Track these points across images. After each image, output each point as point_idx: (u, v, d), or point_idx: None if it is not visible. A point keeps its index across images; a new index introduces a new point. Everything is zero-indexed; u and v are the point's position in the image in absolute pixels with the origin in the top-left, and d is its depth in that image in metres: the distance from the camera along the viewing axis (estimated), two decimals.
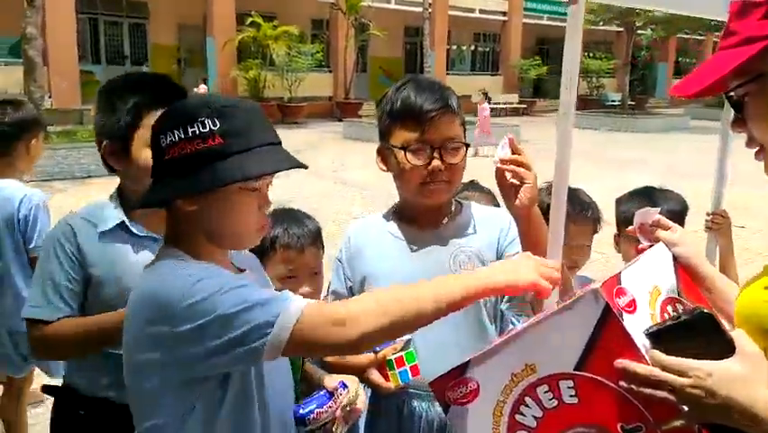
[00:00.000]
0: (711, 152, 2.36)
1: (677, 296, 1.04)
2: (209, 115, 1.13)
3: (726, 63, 0.92)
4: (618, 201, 2.16)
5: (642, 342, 0.89)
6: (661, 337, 0.87)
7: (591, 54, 28.77)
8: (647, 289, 0.97)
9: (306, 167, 1.20)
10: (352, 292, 1.65)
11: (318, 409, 1.23)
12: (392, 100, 1.55)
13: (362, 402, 1.33)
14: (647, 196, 2.12)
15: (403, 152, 1.50)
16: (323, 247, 1.76)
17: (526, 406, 0.99)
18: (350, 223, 1.51)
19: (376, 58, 25.03)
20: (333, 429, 1.25)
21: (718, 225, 2.37)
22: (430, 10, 19.85)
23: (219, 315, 1.03)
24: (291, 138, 15.85)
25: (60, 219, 1.65)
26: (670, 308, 1.00)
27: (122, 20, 20.26)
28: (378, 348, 1.46)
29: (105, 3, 19.66)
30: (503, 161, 1.35)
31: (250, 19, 18.58)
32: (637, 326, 0.90)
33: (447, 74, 24.80)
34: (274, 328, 1.01)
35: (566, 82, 1.29)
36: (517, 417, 1.00)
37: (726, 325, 0.91)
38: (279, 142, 1.22)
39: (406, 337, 1.49)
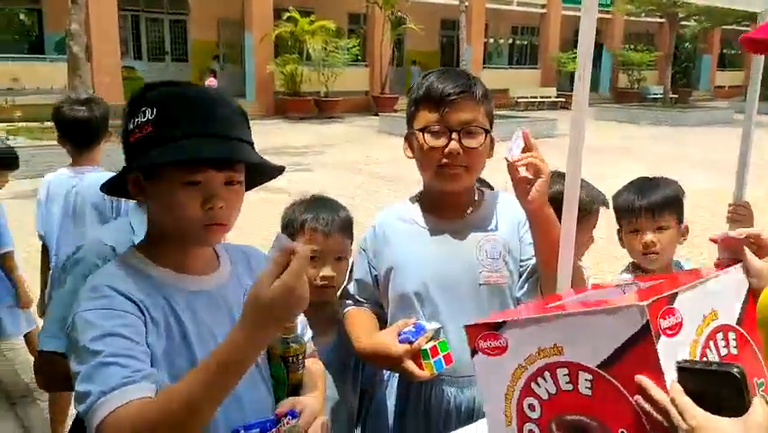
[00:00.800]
0: (756, 147, 2.29)
1: (734, 324, 1.01)
2: (149, 105, 1.13)
3: None
4: (616, 195, 2.12)
5: (669, 366, 0.89)
6: (687, 374, 0.89)
7: (632, 46, 28.23)
8: (703, 312, 0.96)
9: (237, 158, 1.16)
10: (376, 281, 1.68)
11: None
12: (418, 86, 1.60)
13: None
14: (640, 186, 2.08)
15: (422, 134, 1.54)
16: (351, 237, 1.79)
17: (544, 379, 1.00)
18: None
19: (412, 52, 24.98)
20: None
21: (741, 216, 2.29)
22: (466, 3, 19.70)
23: (74, 354, 1.08)
24: (327, 133, 16.00)
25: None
26: (720, 337, 0.98)
27: (163, 16, 20.65)
28: (412, 338, 1.48)
29: (147, 0, 20.06)
30: (518, 161, 1.37)
31: (287, 14, 18.74)
32: (673, 349, 0.90)
33: (483, 68, 24.61)
34: (86, 408, 1.01)
35: (580, 73, 1.29)
36: (533, 385, 1.02)
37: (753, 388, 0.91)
38: (224, 135, 1.15)
39: (436, 326, 1.52)
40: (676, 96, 26.08)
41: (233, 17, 20.44)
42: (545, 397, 1.01)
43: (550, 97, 24.79)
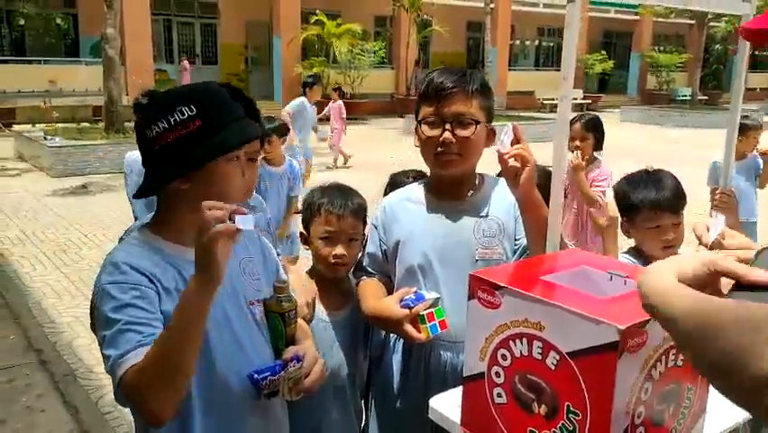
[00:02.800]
0: None
1: None
2: (185, 103, 1.31)
3: None
4: (625, 189, 2.18)
5: (622, 377, 1.04)
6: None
7: (661, 48, 27.96)
8: (665, 333, 1.09)
9: (265, 131, 1.49)
10: (386, 255, 1.88)
11: (271, 377, 1.36)
12: (423, 82, 1.79)
13: (312, 381, 1.43)
14: (654, 181, 2.13)
15: (422, 125, 1.73)
16: (364, 221, 1.96)
17: (521, 342, 1.17)
18: None
19: (438, 54, 25.09)
20: (283, 396, 1.39)
21: (724, 203, 2.33)
22: (492, 5, 19.77)
23: (98, 322, 1.29)
24: (355, 134, 16.14)
25: None
26: (672, 352, 1.13)
27: (194, 20, 21.10)
28: (411, 304, 1.67)
29: (179, 4, 20.52)
30: (509, 152, 1.50)
31: (314, 17, 19.01)
32: (630, 363, 1.05)
33: (509, 69, 24.63)
34: (109, 369, 1.24)
35: (564, 72, 1.44)
36: (510, 342, 1.18)
37: None
38: (245, 116, 1.41)
39: (435, 295, 1.70)
40: (706, 97, 25.77)
41: (262, 20, 20.80)
42: (517, 355, 1.18)
43: (576, 99, 24.68)
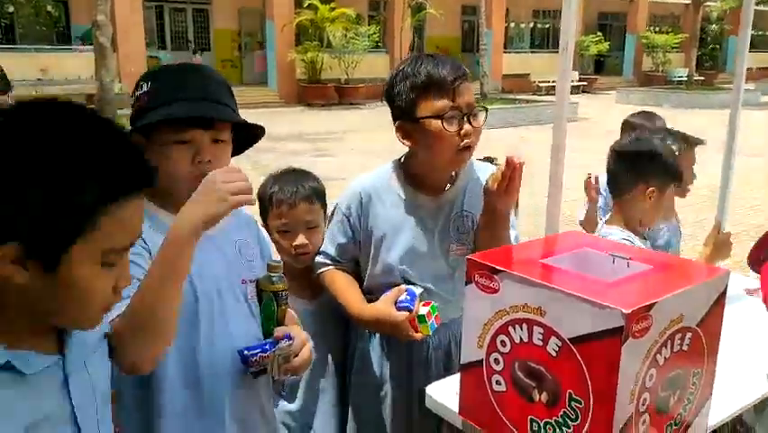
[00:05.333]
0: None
1: (694, 326, 1.12)
2: (145, 79, 1.35)
3: None
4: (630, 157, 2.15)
5: (627, 364, 1.00)
6: None
7: (657, 29, 27.80)
8: (671, 317, 1.07)
9: (219, 117, 1.32)
10: (359, 246, 1.78)
11: (261, 354, 1.35)
12: (413, 74, 1.62)
13: (301, 361, 1.41)
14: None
15: (439, 121, 1.59)
16: (323, 205, 1.90)
17: (520, 328, 1.13)
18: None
19: (433, 37, 24.90)
20: (272, 373, 1.38)
21: None
22: None
23: None
24: (349, 119, 16.11)
25: None
26: (678, 337, 1.09)
27: (186, 6, 20.87)
28: (411, 306, 1.63)
29: None
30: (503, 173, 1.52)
31: (308, 2, 18.82)
32: (635, 349, 1.02)
33: (504, 52, 24.46)
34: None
35: (563, 45, 1.40)
36: (510, 328, 1.15)
37: None
38: (217, 100, 1.34)
39: (420, 290, 1.68)
40: (702, 78, 25.65)
41: (255, 6, 20.58)
42: (517, 341, 1.14)
43: (572, 81, 24.53)
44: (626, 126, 3.22)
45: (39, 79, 15.83)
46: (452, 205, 1.75)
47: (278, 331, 1.41)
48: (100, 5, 11.60)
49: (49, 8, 17.70)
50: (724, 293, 1.18)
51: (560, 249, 1.31)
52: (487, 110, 1.68)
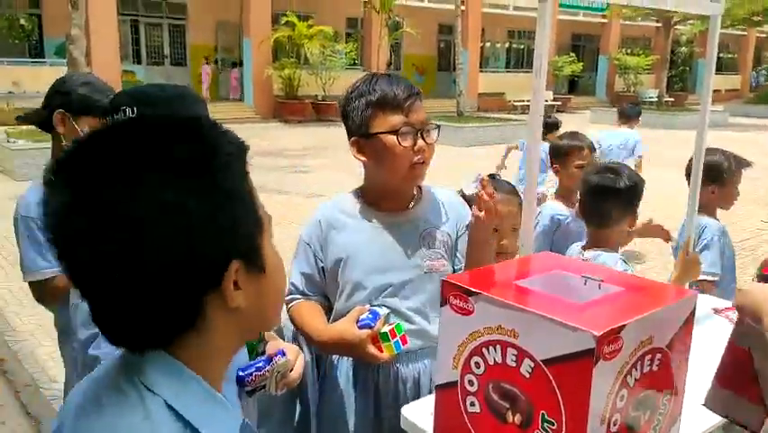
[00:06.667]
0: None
1: (663, 347, 1.14)
2: (129, 105, 1.30)
3: None
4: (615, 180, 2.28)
5: (598, 385, 1.01)
6: None
7: (629, 50, 28.40)
8: (641, 338, 1.08)
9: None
10: (323, 274, 1.77)
11: (256, 373, 1.34)
12: (368, 92, 1.65)
13: (297, 373, 1.42)
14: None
15: (394, 136, 1.61)
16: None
17: (494, 349, 1.13)
18: None
19: (410, 56, 25.14)
20: (269, 390, 1.38)
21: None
22: (463, 7, 19.87)
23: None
24: (326, 135, 16.11)
25: None
26: (647, 358, 1.11)
27: (162, 21, 20.79)
28: (372, 323, 1.59)
29: (146, 5, 20.21)
30: (489, 194, 1.55)
31: (285, 18, 18.88)
32: (606, 370, 1.02)
33: (480, 71, 24.77)
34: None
35: (537, 69, 1.43)
36: (483, 349, 1.15)
37: None
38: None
39: (386, 311, 1.65)
40: (672, 99, 26.24)
41: (232, 21, 20.60)
42: (491, 362, 1.14)
43: (547, 101, 24.87)
44: (559, 151, 3.35)
45: (10, 92, 15.60)
46: (419, 222, 1.74)
47: (269, 348, 1.40)
48: (74, 19, 11.49)
49: (22, 21, 17.51)
50: (693, 314, 1.20)
51: (533, 270, 1.33)
52: (439, 127, 1.70)
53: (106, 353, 1.16)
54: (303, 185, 9.42)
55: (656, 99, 25.55)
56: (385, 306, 1.68)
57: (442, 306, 1.23)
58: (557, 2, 24.95)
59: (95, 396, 0.77)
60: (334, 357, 1.78)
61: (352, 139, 1.69)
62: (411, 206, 1.76)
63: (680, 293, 1.22)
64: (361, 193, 1.80)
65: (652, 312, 1.11)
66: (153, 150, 0.71)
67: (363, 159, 1.70)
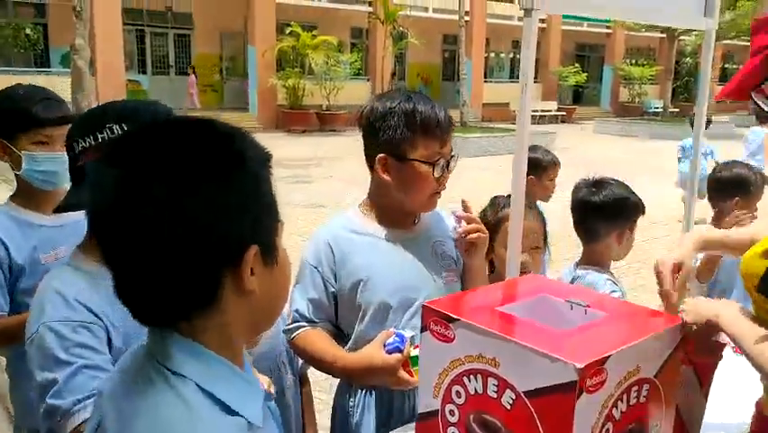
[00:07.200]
0: None
1: (651, 377, 1.10)
2: (116, 121, 1.24)
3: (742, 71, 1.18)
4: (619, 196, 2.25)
5: (581, 419, 0.97)
6: None
7: (633, 61, 28.38)
8: (628, 368, 1.04)
9: None
10: (335, 298, 1.66)
11: None
12: (410, 113, 1.57)
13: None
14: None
15: (428, 166, 1.58)
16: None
17: (475, 379, 1.09)
18: None
19: (414, 65, 25.17)
20: None
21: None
22: (467, 18, 19.90)
23: (41, 363, 1.18)
24: (329, 145, 16.11)
25: None
26: (634, 389, 1.06)
27: (167, 31, 20.88)
28: (401, 347, 1.51)
29: (152, 15, 20.30)
30: (466, 231, 1.64)
31: (289, 29, 18.95)
32: (589, 404, 0.98)
33: (484, 81, 24.77)
34: (62, 414, 1.15)
35: (522, 86, 1.41)
36: (464, 378, 1.11)
37: None
38: None
39: (412, 333, 1.55)
40: (677, 110, 26.18)
41: (237, 31, 20.68)
42: (472, 392, 1.10)
43: (550, 111, 24.90)
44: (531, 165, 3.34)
45: None
46: (429, 232, 1.73)
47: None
48: (78, 29, 11.54)
49: (27, 31, 17.62)
50: (682, 342, 1.16)
51: (518, 295, 1.28)
52: (457, 156, 1.67)
53: (68, 403, 1.13)
54: (305, 195, 9.39)
55: (661, 110, 25.50)
56: (409, 328, 1.59)
57: (422, 332, 1.19)
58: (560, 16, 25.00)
59: (129, 390, 0.83)
60: (357, 394, 1.68)
61: (381, 156, 1.61)
62: (417, 221, 1.74)
63: (669, 320, 1.17)
64: (368, 209, 1.73)
65: (639, 341, 1.06)
66: (199, 149, 0.81)
67: (387, 178, 1.62)
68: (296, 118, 19.34)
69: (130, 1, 17.76)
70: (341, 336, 1.70)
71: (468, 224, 1.65)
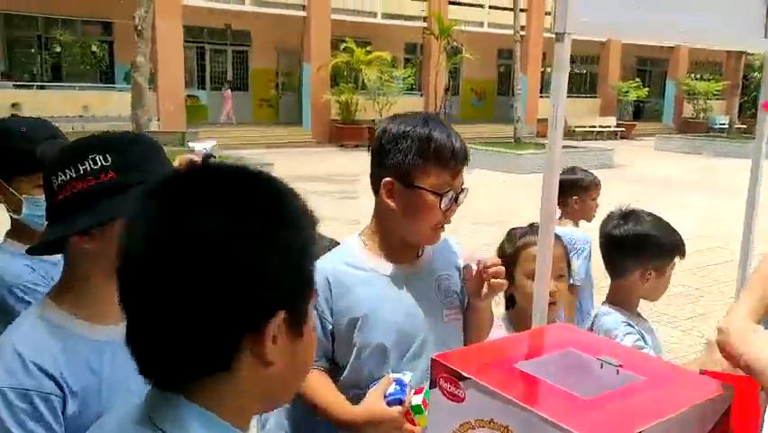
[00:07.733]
0: None
1: None
2: (100, 152, 1.14)
3: None
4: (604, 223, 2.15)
5: None
6: None
7: (698, 75, 27.44)
8: None
9: None
10: (333, 336, 1.57)
11: None
12: (422, 138, 1.48)
13: None
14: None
15: (435, 197, 1.48)
16: None
17: None
18: None
19: (469, 80, 25.01)
20: None
21: None
22: (522, 33, 19.65)
23: None
24: None
25: None
26: None
27: (226, 47, 21.44)
28: (403, 397, 1.43)
29: (212, 33, 20.89)
30: (490, 271, 1.52)
31: (344, 44, 19.13)
32: None
33: (541, 96, 24.39)
34: None
35: (552, 121, 1.28)
36: None
37: None
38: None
39: (409, 376, 1.47)
40: (744, 126, 25.10)
41: (293, 47, 21.02)
42: None
43: (609, 127, 24.27)
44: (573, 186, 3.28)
45: (80, 116, 16.31)
46: (431, 268, 1.62)
47: None
48: (140, 47, 11.95)
49: (94, 48, 18.38)
50: (728, 413, 0.99)
51: (543, 348, 1.14)
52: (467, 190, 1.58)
53: None
54: (347, 211, 9.35)
55: (727, 126, 24.49)
56: (407, 369, 1.51)
57: (431, 388, 1.06)
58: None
59: None
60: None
61: (388, 180, 1.51)
62: (420, 254, 1.63)
63: (714, 388, 1.00)
64: (368, 240, 1.63)
65: (676, 414, 0.91)
66: (249, 202, 0.76)
67: (392, 204, 1.52)
68: (348, 133, 19.47)
69: (191, 19, 18.30)
70: (336, 369, 1.60)
71: (490, 266, 1.52)
